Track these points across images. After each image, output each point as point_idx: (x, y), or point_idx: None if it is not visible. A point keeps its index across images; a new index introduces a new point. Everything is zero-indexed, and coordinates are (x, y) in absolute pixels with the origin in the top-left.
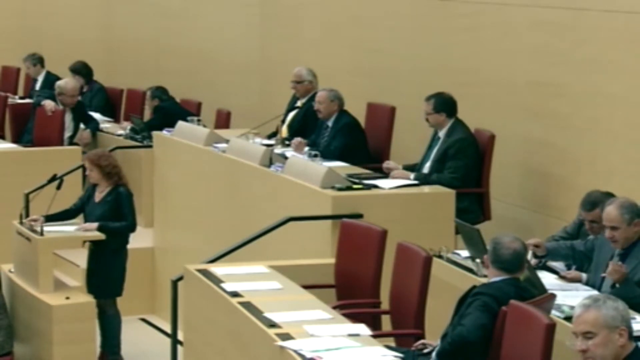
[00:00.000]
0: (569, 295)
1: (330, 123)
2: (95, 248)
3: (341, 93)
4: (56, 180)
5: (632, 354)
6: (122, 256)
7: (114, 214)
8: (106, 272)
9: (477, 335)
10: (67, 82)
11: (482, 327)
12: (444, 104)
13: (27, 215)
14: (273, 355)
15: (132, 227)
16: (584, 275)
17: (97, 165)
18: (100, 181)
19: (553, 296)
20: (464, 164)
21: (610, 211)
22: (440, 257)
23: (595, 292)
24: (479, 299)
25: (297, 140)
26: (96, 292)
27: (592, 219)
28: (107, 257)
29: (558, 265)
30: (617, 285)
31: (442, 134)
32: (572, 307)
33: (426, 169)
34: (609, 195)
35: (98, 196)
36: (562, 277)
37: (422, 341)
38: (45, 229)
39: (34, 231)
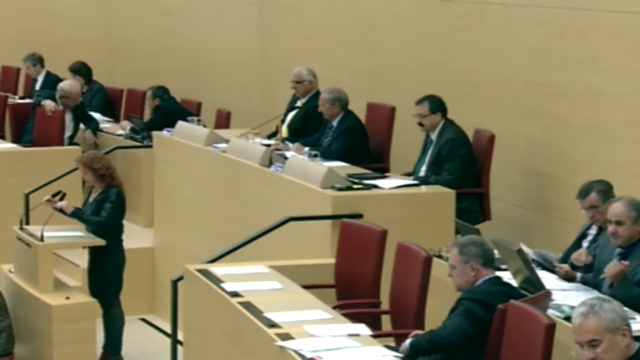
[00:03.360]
0: (569, 295)
1: (335, 123)
2: (92, 248)
3: (344, 93)
4: (59, 195)
5: (638, 353)
6: (118, 257)
7: (98, 211)
8: (102, 273)
9: (456, 340)
10: (72, 86)
11: (462, 333)
12: (439, 104)
13: (28, 219)
14: (273, 355)
15: (104, 224)
16: (578, 275)
17: (91, 168)
18: (95, 183)
19: (549, 293)
20: (459, 164)
21: (617, 206)
22: (440, 257)
23: (592, 293)
24: (463, 304)
25: (296, 144)
26: (95, 292)
27: (591, 205)
28: (102, 257)
29: (552, 255)
30: (615, 285)
31: (434, 136)
32: (572, 307)
33: (422, 173)
34: (602, 182)
35: (92, 196)
36: (556, 271)
37: (415, 332)
38: (45, 234)
39: (34, 236)
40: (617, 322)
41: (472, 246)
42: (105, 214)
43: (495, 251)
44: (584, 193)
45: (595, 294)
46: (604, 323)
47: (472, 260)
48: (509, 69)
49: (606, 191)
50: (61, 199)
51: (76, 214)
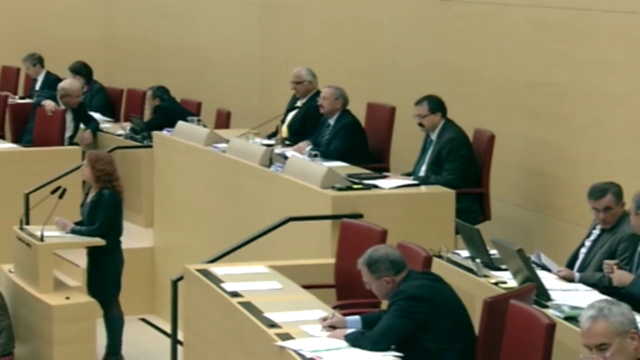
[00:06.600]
0: (569, 296)
1: (331, 122)
2: (91, 250)
3: (346, 92)
4: (59, 191)
5: None
6: (116, 258)
7: (93, 215)
8: (100, 274)
9: (384, 345)
10: (72, 84)
11: (389, 336)
12: (438, 104)
13: (28, 219)
14: (273, 355)
15: (99, 232)
16: (576, 274)
17: (92, 165)
18: (90, 181)
19: (533, 287)
20: (459, 164)
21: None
22: (440, 257)
23: (591, 293)
24: (396, 305)
25: (301, 144)
26: (93, 293)
27: (606, 206)
28: (100, 258)
29: (550, 263)
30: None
31: (434, 136)
32: (572, 307)
33: (422, 172)
34: (614, 184)
35: (89, 197)
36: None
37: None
38: (45, 234)
39: (34, 236)
40: (626, 325)
41: (380, 263)
42: (99, 222)
43: (495, 251)
44: (599, 194)
45: (594, 293)
46: (612, 327)
47: (384, 274)
48: (509, 69)
49: (620, 193)
50: (61, 195)
51: (74, 231)
